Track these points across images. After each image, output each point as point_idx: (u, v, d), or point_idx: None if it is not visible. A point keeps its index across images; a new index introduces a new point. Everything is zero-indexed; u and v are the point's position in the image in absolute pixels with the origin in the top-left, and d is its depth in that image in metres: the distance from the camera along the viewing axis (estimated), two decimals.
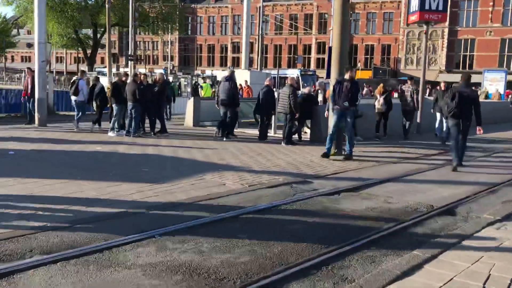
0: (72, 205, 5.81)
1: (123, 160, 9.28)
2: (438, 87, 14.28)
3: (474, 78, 14.88)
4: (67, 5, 44.53)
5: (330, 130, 10.47)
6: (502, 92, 29.37)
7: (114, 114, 13.49)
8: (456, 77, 49.34)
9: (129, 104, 12.89)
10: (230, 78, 13.03)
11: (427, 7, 14.84)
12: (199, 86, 18.40)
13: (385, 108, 13.99)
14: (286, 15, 63.39)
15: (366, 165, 9.56)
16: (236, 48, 67.65)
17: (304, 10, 63.63)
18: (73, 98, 14.77)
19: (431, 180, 8.42)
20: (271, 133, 14.52)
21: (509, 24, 50.88)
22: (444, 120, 13.35)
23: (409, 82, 15.08)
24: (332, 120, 10.45)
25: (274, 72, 49.15)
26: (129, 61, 38.45)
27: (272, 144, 12.53)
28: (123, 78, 14.06)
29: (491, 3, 50.80)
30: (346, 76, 10.23)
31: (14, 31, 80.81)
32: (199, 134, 14.53)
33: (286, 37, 64.80)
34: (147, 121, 13.85)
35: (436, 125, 14.39)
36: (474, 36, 52.94)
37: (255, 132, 15.05)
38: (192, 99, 18.07)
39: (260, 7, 52.08)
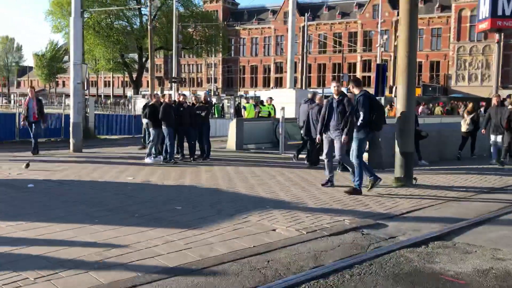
0: (67, 269, 4.34)
1: (154, 195, 7.83)
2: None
3: None
4: (113, 30, 44.79)
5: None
6: None
7: (151, 138, 12.22)
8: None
9: (163, 128, 11.59)
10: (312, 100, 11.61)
11: (500, 13, 12.90)
12: (242, 107, 16.96)
13: (472, 128, 13.29)
14: (330, 33, 61.85)
15: (446, 198, 7.73)
16: (279, 68, 66.58)
17: (348, 28, 61.95)
18: (144, 121, 13.29)
19: None
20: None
21: None
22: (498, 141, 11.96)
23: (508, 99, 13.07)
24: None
25: (319, 91, 47.55)
26: (172, 84, 37.81)
27: (322, 170, 10.87)
28: (162, 100, 12.81)
29: None
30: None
31: (66, 58, 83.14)
32: (242, 158, 13.02)
33: (330, 55, 63.19)
34: (186, 145, 12.52)
35: (492, 149, 12.33)
36: None
37: (302, 156, 13.42)
38: (234, 120, 16.69)
39: (304, 26, 50.92)
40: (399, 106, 8.87)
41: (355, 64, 62.10)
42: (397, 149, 9.01)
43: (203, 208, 6.79)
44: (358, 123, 8.12)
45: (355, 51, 61.74)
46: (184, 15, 48.17)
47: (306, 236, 5.42)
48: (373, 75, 57.82)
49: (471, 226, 6.09)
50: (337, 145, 8.54)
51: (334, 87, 8.61)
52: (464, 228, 5.96)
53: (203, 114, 12.26)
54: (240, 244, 5.04)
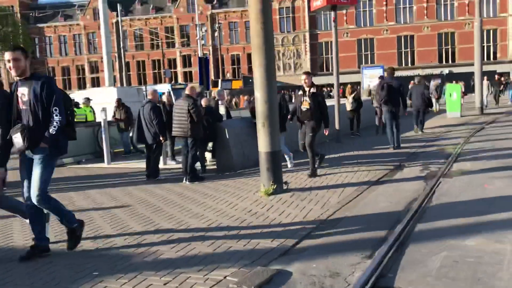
0: None
1: None
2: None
3: None
4: None
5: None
6: None
7: None
8: (320, 80, 49.63)
9: None
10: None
11: None
12: None
13: (355, 106, 14.47)
14: (146, 29, 58.54)
15: (336, 204, 6.00)
16: (95, 67, 60.98)
17: (164, 23, 59.39)
18: None
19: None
20: (160, 165, 10.48)
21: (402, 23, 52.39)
22: None
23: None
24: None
25: (143, 88, 44.24)
26: None
27: (168, 184, 8.46)
28: None
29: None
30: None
31: None
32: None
33: (149, 52, 59.96)
34: None
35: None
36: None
37: (136, 166, 10.81)
38: None
39: (118, 22, 46.89)
40: (259, 93, 6.89)
41: (175, 60, 60.02)
42: (260, 149, 7.04)
43: None
44: None
45: (173, 46, 59.60)
46: None
47: None
48: (194, 69, 56.77)
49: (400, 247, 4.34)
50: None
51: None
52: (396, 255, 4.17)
53: None
54: None
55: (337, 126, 12.68)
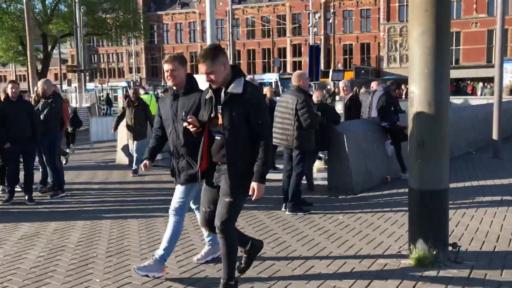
0: None
1: None
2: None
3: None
4: (7, 15, 37.06)
5: None
6: None
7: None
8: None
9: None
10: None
11: None
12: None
13: None
14: (258, 17, 56.84)
15: None
16: None
17: (276, 11, 57.19)
18: None
19: None
20: None
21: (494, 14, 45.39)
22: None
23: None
24: None
25: (248, 77, 42.61)
26: (77, 74, 31.25)
27: (256, 211, 5.88)
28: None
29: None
30: None
31: None
32: (127, 187, 7.69)
33: (259, 41, 58.30)
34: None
35: None
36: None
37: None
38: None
39: (229, 10, 45.62)
40: (416, 88, 3.93)
41: (285, 49, 57.69)
42: (413, 184, 4.10)
43: None
44: None
45: (284, 35, 57.25)
46: None
47: None
48: (304, 59, 53.94)
49: None
50: None
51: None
52: None
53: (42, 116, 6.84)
54: None
55: (494, 135, 9.17)
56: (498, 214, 5.48)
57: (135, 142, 8.94)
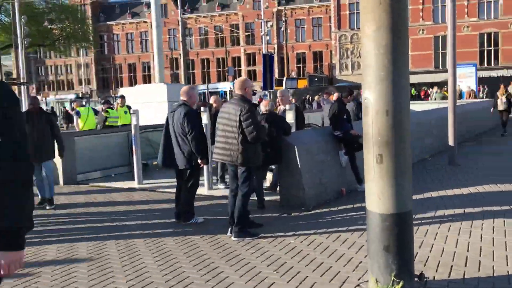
0: None
1: None
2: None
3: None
4: None
5: None
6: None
7: None
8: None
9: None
10: None
11: None
12: (74, 113, 10.37)
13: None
14: (211, 26, 56.17)
15: None
16: None
17: (229, 20, 56.73)
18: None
19: None
20: (203, 190, 7.38)
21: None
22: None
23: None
24: None
25: (202, 87, 41.76)
26: (21, 87, 29.43)
27: (201, 237, 5.11)
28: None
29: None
30: None
31: None
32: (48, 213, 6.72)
33: (213, 50, 57.60)
34: None
35: None
36: None
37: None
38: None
39: (182, 19, 44.77)
40: (371, 95, 3.33)
41: (239, 58, 57.23)
42: (370, 206, 3.49)
43: None
44: None
45: (238, 44, 56.82)
46: (38, 8, 39.40)
47: None
48: (259, 68, 53.60)
49: None
50: None
51: None
52: None
53: None
54: None
55: (450, 141, 8.82)
56: (463, 230, 4.97)
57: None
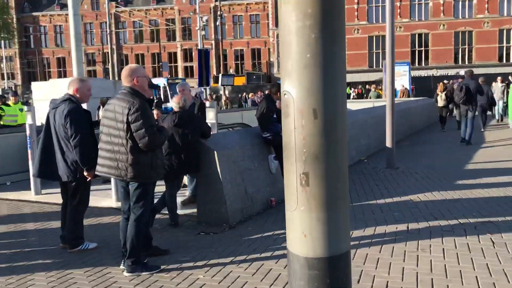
0: None
1: None
2: None
3: None
4: None
5: None
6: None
7: None
8: None
9: None
10: None
11: None
12: None
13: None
14: (146, 21, 53.80)
15: None
16: (92, 60, 56.40)
17: (165, 15, 54.63)
18: None
19: None
20: (111, 202, 6.12)
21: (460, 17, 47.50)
22: None
23: None
24: None
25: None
26: None
27: (87, 270, 3.86)
28: None
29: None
30: None
31: None
32: None
33: (148, 45, 55.27)
34: None
35: None
36: None
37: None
38: None
39: (114, 13, 42.39)
40: (295, 89, 2.28)
41: (176, 54, 55.28)
42: (292, 246, 2.45)
43: None
44: None
45: (174, 39, 54.85)
46: None
47: None
48: (195, 64, 51.95)
49: None
50: None
51: None
52: None
53: None
54: None
55: (388, 143, 8.08)
56: (408, 255, 4.10)
57: None
